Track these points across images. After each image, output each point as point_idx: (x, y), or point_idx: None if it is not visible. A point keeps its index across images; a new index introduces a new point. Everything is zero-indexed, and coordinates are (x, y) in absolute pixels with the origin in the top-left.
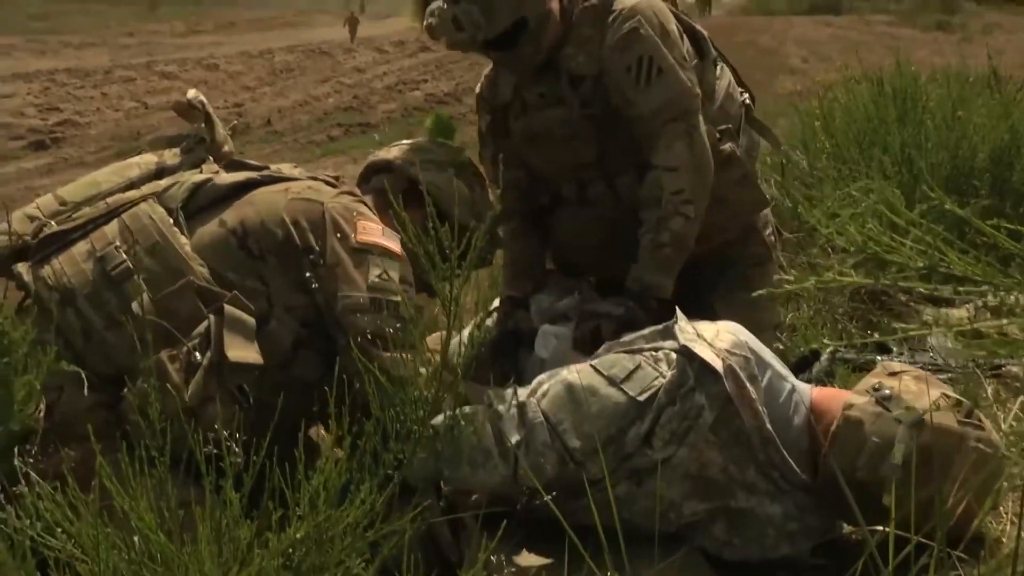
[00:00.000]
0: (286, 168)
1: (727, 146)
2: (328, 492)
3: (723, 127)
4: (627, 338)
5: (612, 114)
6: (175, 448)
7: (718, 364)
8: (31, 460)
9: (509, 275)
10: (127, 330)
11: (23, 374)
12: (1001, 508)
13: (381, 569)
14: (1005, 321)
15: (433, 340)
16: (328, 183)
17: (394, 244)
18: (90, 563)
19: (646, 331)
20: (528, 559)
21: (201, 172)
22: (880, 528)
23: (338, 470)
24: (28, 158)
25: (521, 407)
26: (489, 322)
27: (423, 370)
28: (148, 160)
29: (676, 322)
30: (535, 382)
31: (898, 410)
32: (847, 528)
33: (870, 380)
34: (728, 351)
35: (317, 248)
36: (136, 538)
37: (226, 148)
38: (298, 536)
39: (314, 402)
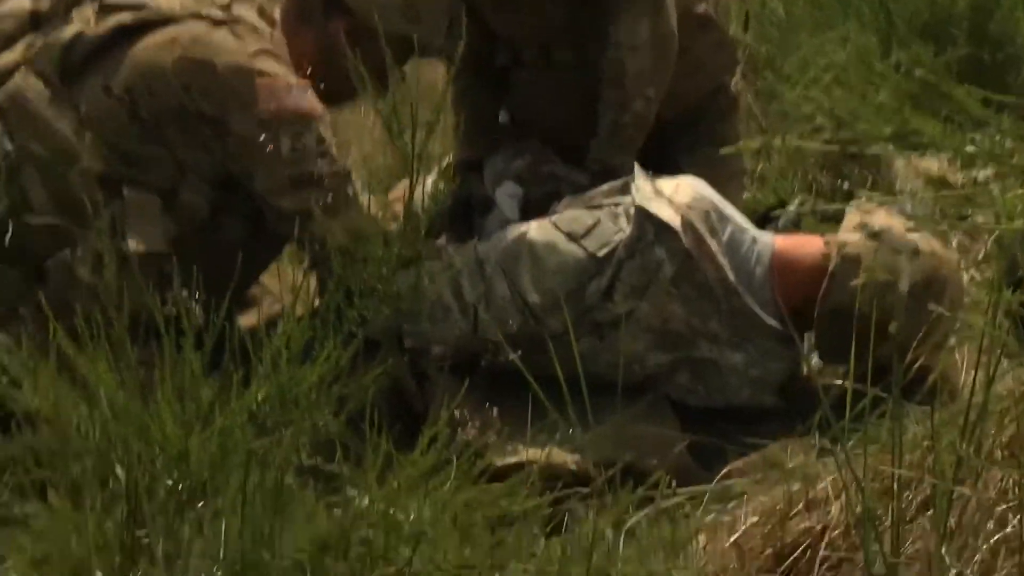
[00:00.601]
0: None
1: (701, 7)
2: (291, 350)
3: None
4: (586, 194)
5: None
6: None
7: (675, 221)
8: None
9: (460, 137)
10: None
11: None
12: (958, 357)
13: (346, 423)
14: (975, 173)
15: (396, 192)
16: (215, 21)
17: (302, 100)
18: (52, 421)
19: (604, 187)
20: (492, 411)
21: (71, 22)
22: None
23: (300, 327)
24: None
25: (480, 263)
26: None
27: (390, 226)
28: (21, 5)
29: (634, 178)
30: (493, 238)
31: (896, 241)
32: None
33: (853, 219)
34: (688, 205)
35: (217, 118)
36: (98, 397)
37: None
38: (260, 396)
39: (254, 259)
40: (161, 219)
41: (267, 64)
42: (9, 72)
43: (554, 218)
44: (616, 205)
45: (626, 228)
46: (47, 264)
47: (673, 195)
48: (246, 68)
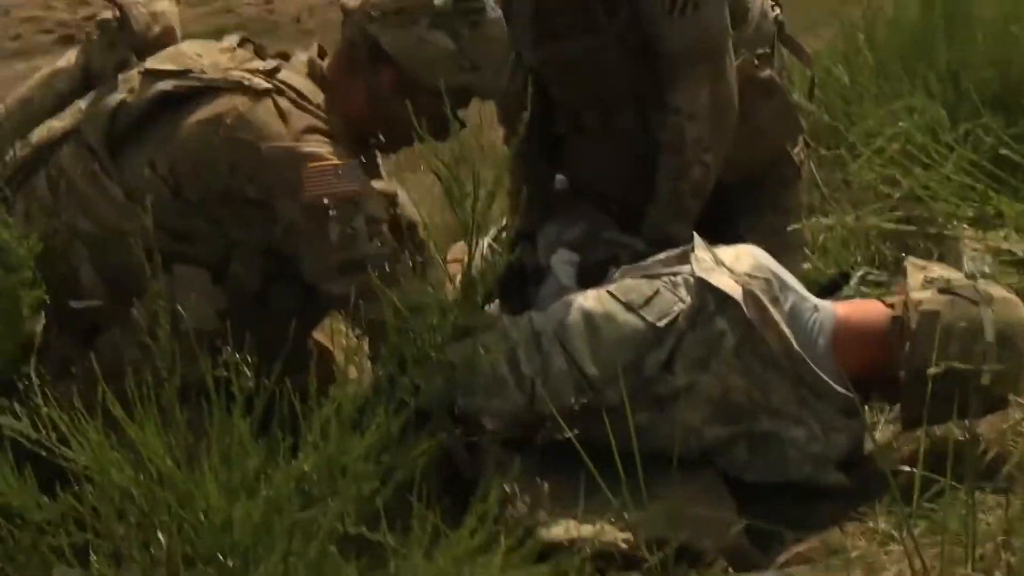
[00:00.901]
0: (209, 57)
1: (766, 73)
2: (341, 419)
3: (760, 51)
4: (644, 262)
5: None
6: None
7: (736, 291)
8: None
9: (517, 204)
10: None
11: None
12: None
13: (395, 493)
14: None
15: (453, 253)
16: (258, 92)
17: (351, 182)
18: (100, 480)
19: (662, 255)
20: (543, 486)
21: (117, 88)
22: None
23: (351, 396)
24: (58, 53)
25: (536, 335)
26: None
27: (449, 286)
28: (73, 65)
29: (693, 248)
30: (549, 309)
31: (969, 291)
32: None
33: (918, 276)
34: (748, 274)
35: (264, 202)
36: (144, 461)
37: (156, 29)
38: (307, 465)
39: (307, 324)
40: (211, 293)
41: (313, 145)
42: (58, 142)
43: (611, 287)
44: (675, 275)
45: (686, 298)
46: (96, 341)
47: (733, 264)
48: (292, 153)
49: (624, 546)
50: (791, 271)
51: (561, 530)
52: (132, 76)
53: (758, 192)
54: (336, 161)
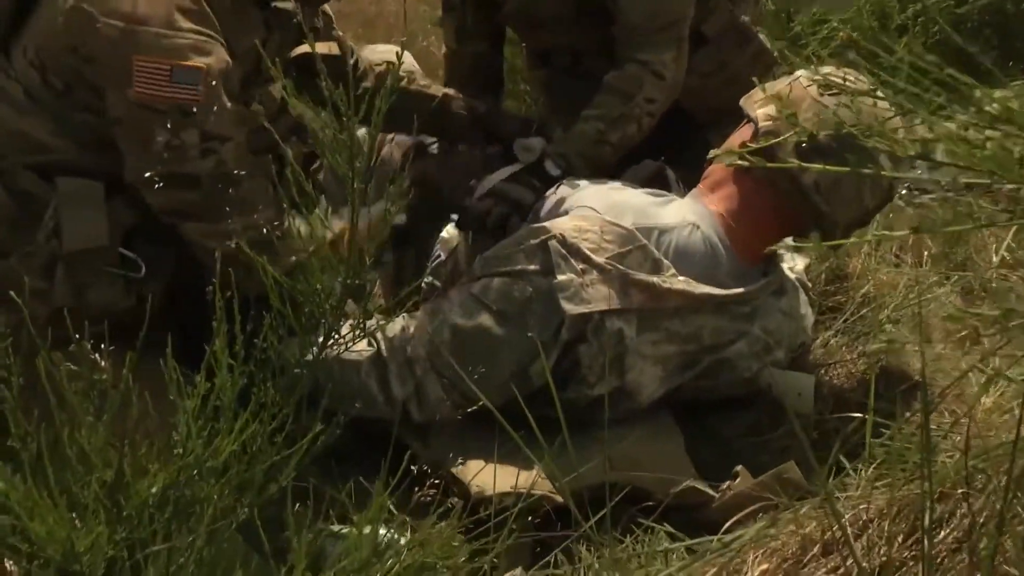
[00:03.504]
0: None
1: (744, 18)
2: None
3: None
4: (504, 250)
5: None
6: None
7: (611, 299)
8: None
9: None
10: None
11: None
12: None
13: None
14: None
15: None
16: None
17: (183, 88)
18: None
19: (523, 243)
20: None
21: None
22: None
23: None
24: None
25: (409, 362)
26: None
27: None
28: None
29: (550, 245)
30: (418, 326)
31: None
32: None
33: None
34: (618, 252)
35: (99, 88)
36: None
37: None
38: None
39: None
40: (103, 207)
41: (146, 28)
42: None
43: (477, 290)
44: (542, 272)
45: (564, 307)
46: None
47: (597, 248)
48: (127, 38)
49: (557, 498)
50: None
51: (489, 483)
52: None
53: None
54: (171, 61)
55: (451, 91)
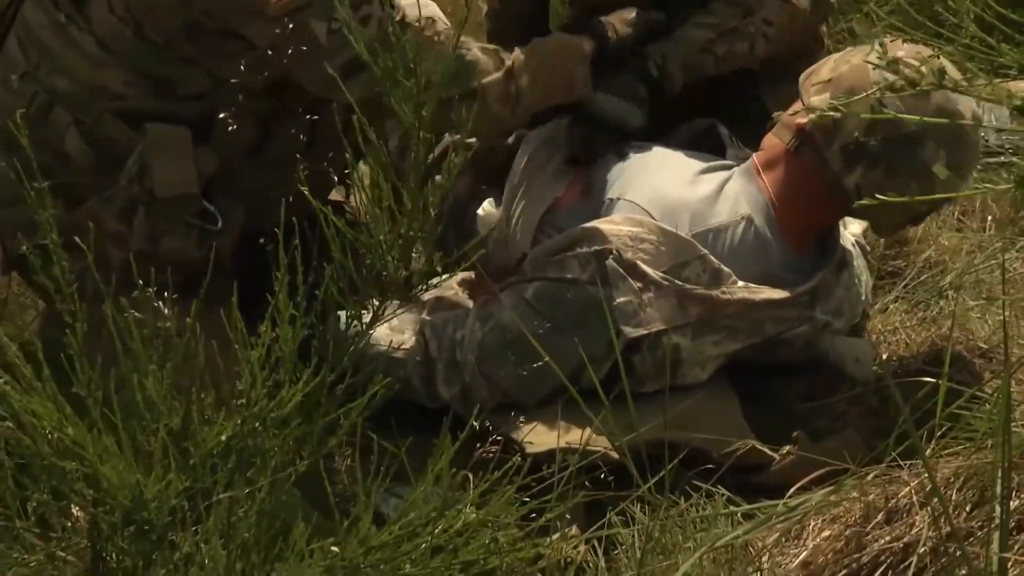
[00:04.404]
0: None
1: None
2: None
3: None
4: (557, 253)
5: None
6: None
7: (671, 318)
8: None
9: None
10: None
11: None
12: None
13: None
14: None
15: None
16: None
17: None
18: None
19: (577, 248)
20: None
21: None
22: None
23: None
24: None
25: (457, 365)
26: None
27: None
28: None
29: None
30: (468, 327)
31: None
32: None
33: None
34: (673, 264)
35: (233, 32)
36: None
37: None
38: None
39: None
40: (191, 153)
41: None
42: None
43: (530, 295)
44: (599, 281)
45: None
46: (76, 213)
47: (653, 264)
48: None
49: (614, 456)
50: None
51: (544, 442)
52: None
53: (778, 62)
54: None
55: None
